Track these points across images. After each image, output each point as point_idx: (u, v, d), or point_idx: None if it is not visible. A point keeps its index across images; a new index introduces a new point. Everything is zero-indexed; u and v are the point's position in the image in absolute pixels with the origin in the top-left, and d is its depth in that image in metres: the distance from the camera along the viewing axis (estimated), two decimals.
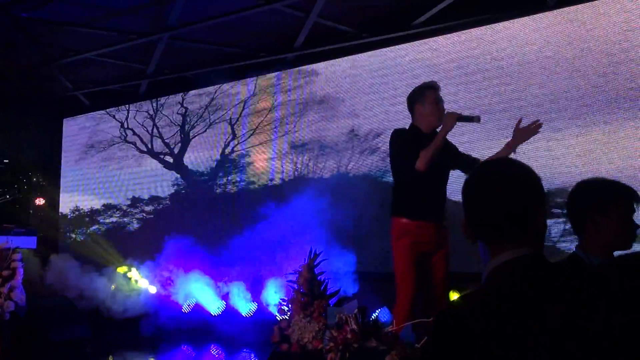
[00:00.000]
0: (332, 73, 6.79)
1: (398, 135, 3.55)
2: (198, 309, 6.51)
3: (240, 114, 7.61)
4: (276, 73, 7.25)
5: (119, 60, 7.51)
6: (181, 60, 7.59)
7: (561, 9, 5.31)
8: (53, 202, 8.99)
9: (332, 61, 6.74)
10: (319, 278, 3.36)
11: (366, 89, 6.48)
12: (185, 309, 6.62)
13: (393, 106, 5.92)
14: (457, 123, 3.41)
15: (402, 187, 3.53)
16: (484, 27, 5.70)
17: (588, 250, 2.04)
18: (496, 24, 5.65)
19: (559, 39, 5.31)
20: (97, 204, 8.84)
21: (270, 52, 7.10)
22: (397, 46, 6.23)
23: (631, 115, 4.91)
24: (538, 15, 5.44)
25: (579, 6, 5.23)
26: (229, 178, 7.68)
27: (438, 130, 3.46)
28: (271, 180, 7.26)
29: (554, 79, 5.32)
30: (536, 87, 5.39)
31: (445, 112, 3.48)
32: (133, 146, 8.57)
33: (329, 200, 5.77)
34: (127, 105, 8.65)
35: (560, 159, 5.20)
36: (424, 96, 3.52)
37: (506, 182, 1.32)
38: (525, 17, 5.50)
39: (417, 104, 3.55)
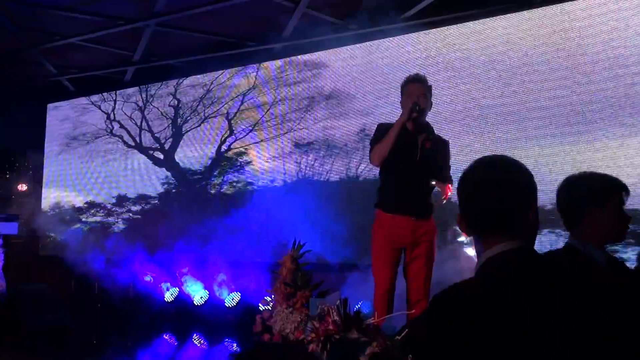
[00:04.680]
0: (343, 66, 7.02)
1: (376, 128, 3.93)
2: (181, 298, 7.04)
3: (239, 108, 7.89)
4: (280, 64, 7.56)
5: (105, 46, 7.95)
6: (168, 48, 8.00)
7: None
8: (35, 188, 9.49)
9: (343, 54, 7.03)
10: (303, 269, 3.70)
11: (380, 85, 6.67)
12: (168, 298, 7.12)
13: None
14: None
15: (380, 180, 3.91)
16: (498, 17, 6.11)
17: (584, 241, 2.34)
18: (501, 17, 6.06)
19: (554, 36, 5.73)
20: (79, 201, 9.23)
21: (258, 42, 7.52)
22: (412, 39, 6.55)
23: None
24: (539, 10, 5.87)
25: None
26: (225, 178, 7.96)
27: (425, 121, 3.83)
28: (272, 181, 7.51)
29: (550, 76, 5.70)
30: (534, 84, 5.78)
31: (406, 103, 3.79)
32: (120, 140, 8.94)
33: (334, 206, 6.11)
34: (113, 96, 9.04)
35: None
36: (403, 91, 3.90)
37: (501, 178, 1.53)
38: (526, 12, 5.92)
39: (401, 99, 3.93)
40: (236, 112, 7.92)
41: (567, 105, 5.65)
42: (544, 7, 5.86)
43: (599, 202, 2.33)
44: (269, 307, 3.76)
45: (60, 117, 9.64)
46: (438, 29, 6.43)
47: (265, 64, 7.73)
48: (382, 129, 3.85)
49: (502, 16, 6.07)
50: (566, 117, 5.65)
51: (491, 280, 1.43)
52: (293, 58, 7.48)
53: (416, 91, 3.81)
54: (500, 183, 1.53)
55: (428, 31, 6.48)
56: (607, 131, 5.43)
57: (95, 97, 9.22)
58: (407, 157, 3.75)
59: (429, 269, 3.81)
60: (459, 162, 4.58)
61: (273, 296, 3.69)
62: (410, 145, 3.78)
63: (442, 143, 3.98)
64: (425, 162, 3.81)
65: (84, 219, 9.12)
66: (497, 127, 5.99)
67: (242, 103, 7.90)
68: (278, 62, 7.64)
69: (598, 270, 2.29)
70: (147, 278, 7.43)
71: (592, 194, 2.35)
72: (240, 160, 7.86)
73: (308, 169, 7.19)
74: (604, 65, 5.49)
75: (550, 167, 5.49)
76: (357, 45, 6.91)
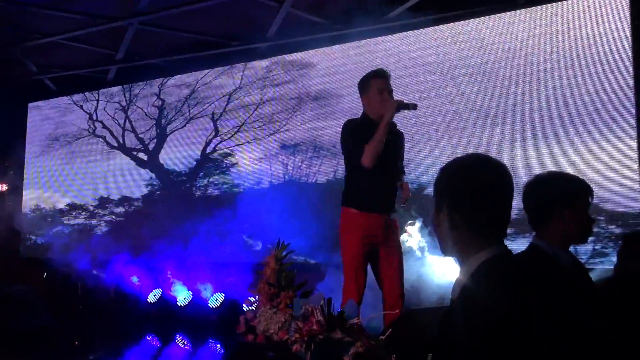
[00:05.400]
0: (331, 66, 7.06)
1: (347, 126, 3.95)
2: (164, 299, 7.15)
3: (224, 108, 7.93)
4: (266, 64, 7.61)
5: (88, 45, 7.97)
6: (152, 47, 8.05)
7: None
8: (16, 189, 9.49)
9: (331, 53, 7.08)
10: (286, 269, 3.75)
11: None
12: (151, 299, 7.23)
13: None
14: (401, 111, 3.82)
15: (352, 178, 3.92)
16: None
17: (551, 242, 2.37)
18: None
19: (542, 38, 5.83)
20: (61, 203, 9.21)
21: (242, 42, 7.58)
22: (402, 39, 6.63)
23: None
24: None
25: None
26: (210, 180, 7.99)
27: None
28: (258, 183, 7.53)
29: (537, 77, 5.80)
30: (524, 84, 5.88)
31: (385, 100, 3.84)
32: (102, 140, 8.94)
33: (321, 207, 6.15)
34: (96, 95, 9.05)
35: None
36: (369, 85, 3.92)
37: (500, 179, 1.58)
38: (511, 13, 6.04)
39: (363, 93, 3.96)
40: (222, 113, 7.95)
41: (543, 107, 5.74)
42: (527, 9, 5.95)
43: (571, 202, 2.36)
44: (253, 308, 3.81)
45: (41, 117, 9.63)
46: (424, 29, 6.51)
47: (251, 63, 7.77)
48: (356, 128, 3.87)
49: (485, 17, 6.16)
50: (546, 120, 5.73)
51: (499, 286, 1.47)
52: (280, 58, 7.54)
53: (385, 86, 3.88)
54: (508, 187, 1.59)
55: (414, 31, 6.56)
56: (581, 134, 5.54)
57: (77, 97, 9.22)
58: (380, 155, 3.80)
59: (402, 266, 3.90)
60: (438, 161, 4.65)
61: (257, 296, 3.74)
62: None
63: (401, 137, 4.06)
64: (394, 159, 3.92)
65: (65, 221, 9.11)
66: (475, 128, 6.07)
67: (227, 103, 7.93)
68: (264, 62, 7.68)
69: (566, 273, 2.34)
70: (134, 279, 7.48)
71: (565, 194, 2.37)
72: (226, 161, 7.89)
73: (295, 170, 7.23)
74: (582, 67, 5.59)
75: (527, 169, 5.58)
76: (345, 44, 6.97)
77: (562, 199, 2.35)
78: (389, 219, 3.88)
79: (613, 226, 5.26)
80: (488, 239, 1.54)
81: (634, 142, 5.29)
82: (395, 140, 3.95)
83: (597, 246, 5.25)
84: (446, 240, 1.60)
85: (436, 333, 1.54)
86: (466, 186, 1.57)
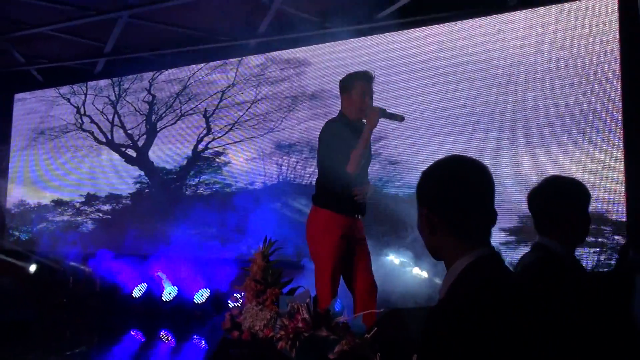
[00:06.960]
0: (327, 64, 7.12)
1: (328, 130, 4.03)
2: (149, 294, 7.25)
3: (217, 105, 8.00)
4: (261, 61, 7.67)
5: (76, 37, 8.02)
6: (141, 40, 8.09)
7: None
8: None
9: (327, 52, 7.16)
10: (273, 266, 3.83)
11: None
12: (136, 294, 7.30)
13: (396, 100, 6.13)
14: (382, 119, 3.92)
15: (328, 180, 3.98)
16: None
17: (562, 244, 2.43)
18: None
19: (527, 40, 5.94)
20: (45, 199, 9.25)
21: (232, 37, 7.65)
22: (395, 36, 6.70)
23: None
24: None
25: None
26: (201, 178, 8.06)
27: (364, 120, 3.96)
28: (251, 184, 7.60)
29: (526, 79, 5.90)
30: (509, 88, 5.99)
31: (369, 107, 3.95)
32: (90, 135, 8.98)
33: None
34: (84, 89, 9.09)
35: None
36: (352, 86, 4.00)
37: (487, 180, 1.58)
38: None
39: (345, 93, 4.04)
40: (214, 110, 8.00)
41: (531, 111, 5.83)
42: (515, 12, 6.03)
43: (585, 206, 2.46)
44: (239, 304, 3.89)
45: (27, 109, 9.65)
46: (417, 29, 6.60)
47: (246, 60, 7.83)
48: (338, 132, 3.95)
49: (475, 19, 6.25)
50: (533, 124, 5.81)
51: (488, 288, 1.47)
52: (276, 56, 7.58)
53: (368, 90, 3.97)
54: (488, 187, 1.59)
55: (408, 30, 6.64)
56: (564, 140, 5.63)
57: (64, 90, 9.24)
58: None
59: (371, 266, 4.05)
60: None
61: (243, 293, 3.82)
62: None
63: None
64: (368, 162, 4.08)
65: (51, 217, 9.15)
66: (466, 130, 6.14)
67: (220, 100, 7.98)
68: (259, 59, 7.72)
69: (578, 274, 2.43)
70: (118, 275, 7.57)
71: (582, 197, 2.47)
72: (218, 160, 7.94)
73: (290, 171, 7.28)
74: (571, 70, 5.67)
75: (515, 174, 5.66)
76: (343, 43, 7.00)
77: (580, 202, 2.46)
78: (359, 220, 4.03)
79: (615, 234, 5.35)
80: (472, 241, 1.54)
81: (621, 149, 5.35)
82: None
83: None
84: (429, 244, 1.62)
85: (421, 333, 1.56)
86: (442, 188, 1.58)
